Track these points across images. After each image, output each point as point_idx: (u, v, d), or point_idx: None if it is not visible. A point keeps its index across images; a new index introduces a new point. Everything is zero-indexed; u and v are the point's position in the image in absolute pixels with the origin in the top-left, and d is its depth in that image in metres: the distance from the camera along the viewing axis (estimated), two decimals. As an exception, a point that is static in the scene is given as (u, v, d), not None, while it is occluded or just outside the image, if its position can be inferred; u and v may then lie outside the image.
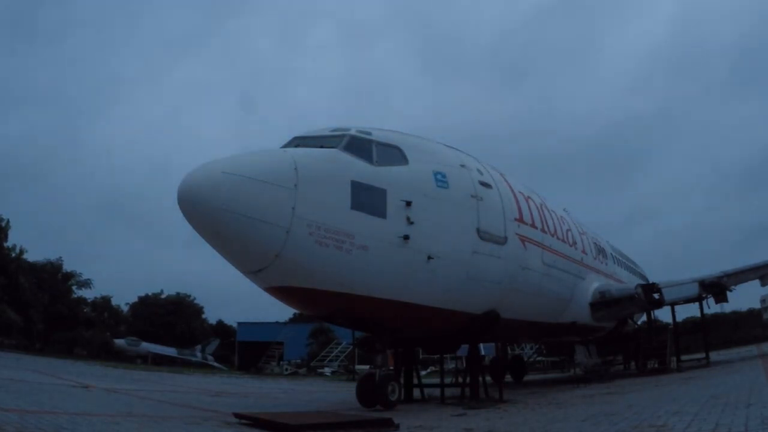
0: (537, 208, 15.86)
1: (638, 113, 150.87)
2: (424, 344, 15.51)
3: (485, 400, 12.45)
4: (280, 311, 61.22)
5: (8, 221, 41.47)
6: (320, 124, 13.11)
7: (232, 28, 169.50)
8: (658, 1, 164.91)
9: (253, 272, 10.07)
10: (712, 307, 23.09)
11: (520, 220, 14.28)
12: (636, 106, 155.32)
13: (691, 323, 32.39)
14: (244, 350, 60.52)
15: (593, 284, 20.00)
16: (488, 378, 15.27)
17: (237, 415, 8.56)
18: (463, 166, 12.77)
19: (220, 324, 70.08)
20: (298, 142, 11.19)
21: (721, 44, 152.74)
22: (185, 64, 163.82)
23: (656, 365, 20.81)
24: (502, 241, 13.01)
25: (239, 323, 63.92)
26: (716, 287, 21.17)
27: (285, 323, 60.23)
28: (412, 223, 10.77)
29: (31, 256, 43.95)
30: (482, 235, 12.34)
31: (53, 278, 45.12)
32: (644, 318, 24.37)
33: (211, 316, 69.44)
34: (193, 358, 51.79)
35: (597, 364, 20.88)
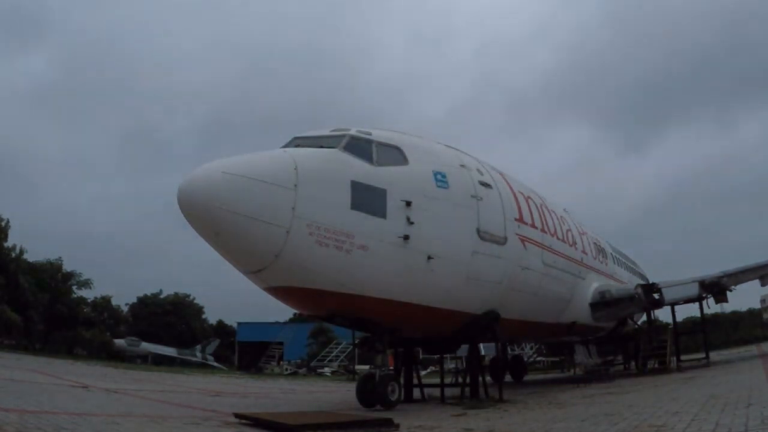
0: (537, 208, 15.85)
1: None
2: (424, 344, 15.50)
3: (485, 400, 12.43)
4: (280, 311, 61.29)
5: (8, 221, 41.50)
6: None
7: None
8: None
9: (253, 272, 10.06)
10: (712, 307, 23.13)
11: (520, 220, 14.27)
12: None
13: (691, 323, 32.42)
14: (244, 350, 60.58)
15: (593, 284, 20.00)
16: (488, 378, 15.27)
17: (237, 415, 8.56)
18: (463, 166, 12.76)
19: (220, 324, 70.08)
20: (298, 142, 11.19)
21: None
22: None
23: (656, 365, 20.84)
24: (502, 241, 13.00)
25: (239, 323, 63.98)
26: (716, 287, 21.16)
27: (285, 323, 60.25)
28: (412, 223, 10.76)
29: (31, 256, 44.06)
30: (482, 235, 12.34)
31: (53, 278, 45.09)
32: (644, 318, 24.38)
33: (211, 316, 69.62)
34: (193, 358, 51.81)
35: (597, 364, 20.91)
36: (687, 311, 28.26)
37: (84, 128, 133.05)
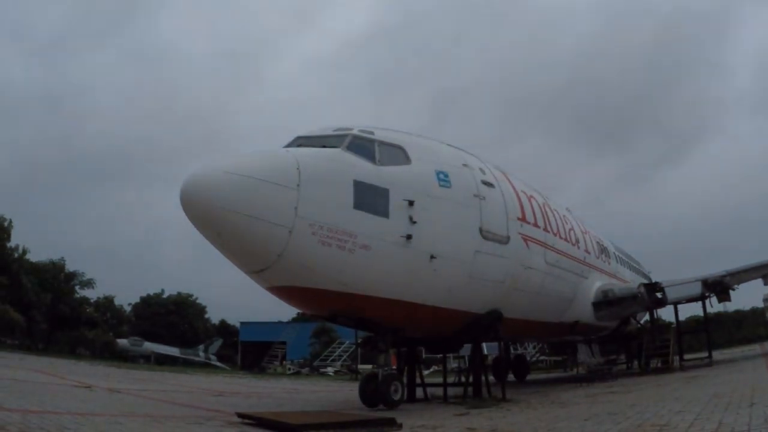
0: (539, 207, 15.85)
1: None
2: (426, 344, 15.51)
3: (488, 400, 12.43)
4: (283, 311, 61.35)
5: (11, 221, 41.53)
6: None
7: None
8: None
9: (256, 272, 10.07)
10: (715, 306, 23.07)
11: (523, 219, 14.26)
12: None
13: (694, 322, 32.33)
14: (246, 350, 60.68)
15: (596, 283, 19.98)
16: (491, 377, 15.26)
17: (240, 415, 8.57)
18: (465, 165, 12.76)
19: (223, 324, 70.11)
20: (301, 141, 11.19)
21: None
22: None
23: (659, 364, 20.78)
24: (504, 240, 13.00)
25: (242, 323, 64.07)
26: (719, 286, 21.09)
27: (288, 323, 60.32)
28: (414, 222, 10.76)
29: (33, 256, 44.11)
30: (485, 234, 12.33)
31: (56, 278, 45.14)
32: (647, 317, 24.35)
33: (214, 315, 69.64)
34: (196, 358, 51.79)
35: (600, 364, 20.88)
36: (690, 310, 28.23)
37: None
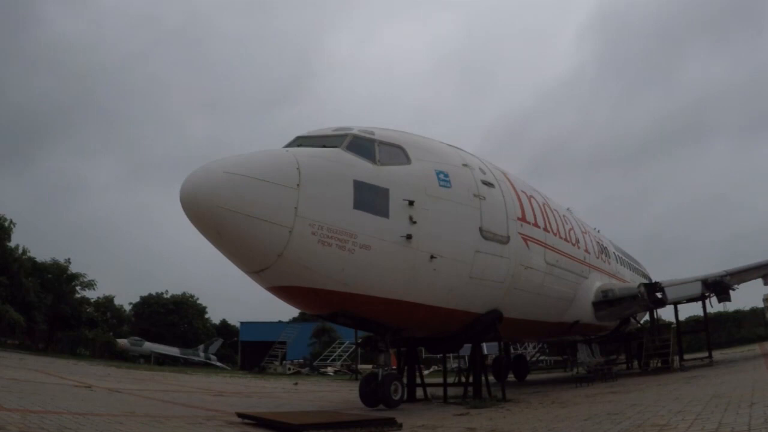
0: (539, 207, 15.85)
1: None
2: (426, 344, 15.51)
3: (488, 400, 12.43)
4: (283, 311, 61.33)
5: (11, 221, 41.49)
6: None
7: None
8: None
9: (256, 272, 10.06)
10: (714, 306, 23.06)
11: (523, 219, 14.27)
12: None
13: (693, 322, 32.36)
14: (246, 350, 60.66)
15: (596, 283, 19.99)
16: (491, 377, 15.27)
17: (240, 415, 8.58)
18: (465, 165, 12.77)
19: (223, 323, 70.25)
20: (301, 141, 11.20)
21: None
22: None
23: (659, 364, 20.81)
24: (504, 240, 13.01)
25: (242, 323, 64.11)
26: (719, 286, 21.09)
27: (288, 323, 60.33)
28: (414, 222, 10.77)
29: (37, 257, 44.07)
30: (485, 234, 12.34)
31: (57, 278, 45.10)
32: (647, 317, 24.36)
33: (214, 315, 69.75)
34: (196, 358, 51.74)
35: (600, 363, 20.85)
36: (690, 310, 28.25)
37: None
